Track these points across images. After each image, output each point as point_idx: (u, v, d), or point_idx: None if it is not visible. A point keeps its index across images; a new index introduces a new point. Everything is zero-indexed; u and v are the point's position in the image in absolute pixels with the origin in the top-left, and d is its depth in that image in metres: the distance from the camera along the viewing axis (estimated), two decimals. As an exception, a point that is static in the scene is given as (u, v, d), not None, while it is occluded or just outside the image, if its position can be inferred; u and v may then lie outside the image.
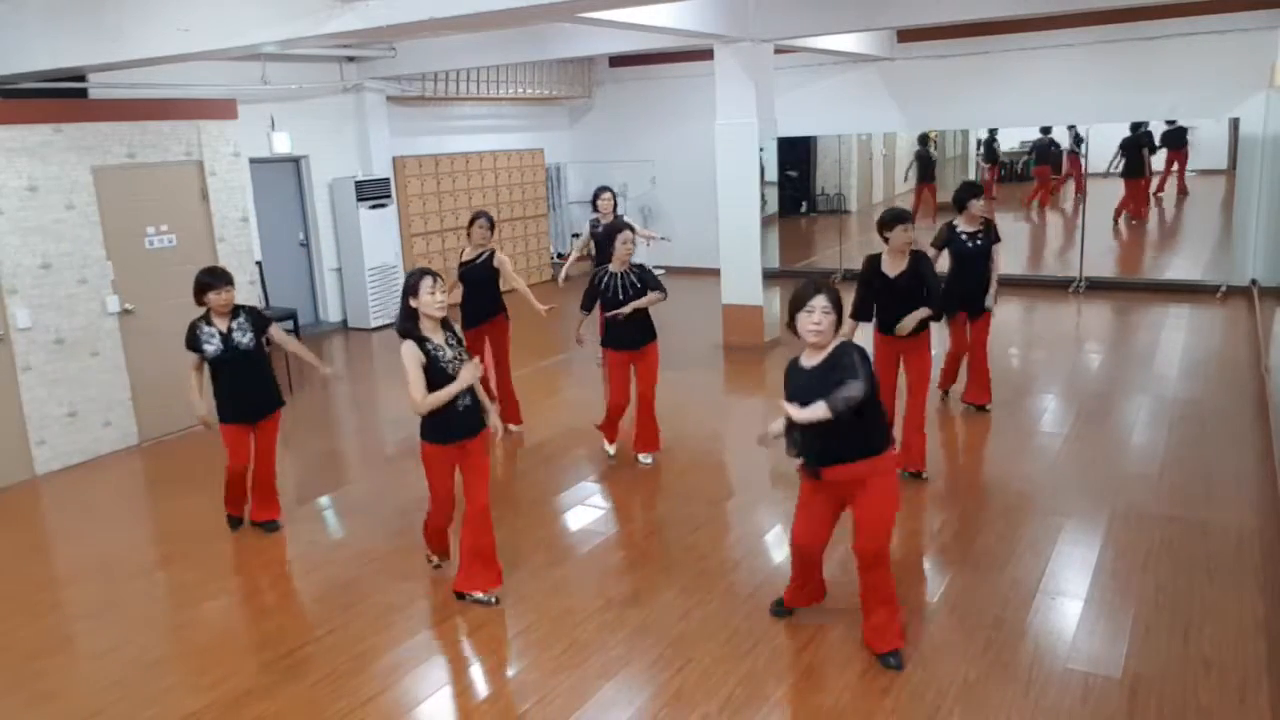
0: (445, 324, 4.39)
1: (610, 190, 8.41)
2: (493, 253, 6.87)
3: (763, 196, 9.34)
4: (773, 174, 9.73)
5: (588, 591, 4.63)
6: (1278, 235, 9.63)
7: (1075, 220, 11.78)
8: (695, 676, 3.87)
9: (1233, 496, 5.32)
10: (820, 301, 3.63)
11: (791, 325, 3.75)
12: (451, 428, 4.33)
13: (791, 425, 3.64)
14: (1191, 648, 3.89)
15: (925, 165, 13.08)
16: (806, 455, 3.76)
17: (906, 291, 5.35)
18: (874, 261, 5.46)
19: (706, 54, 9.34)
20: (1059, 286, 11.15)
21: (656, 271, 6.22)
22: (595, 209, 8.36)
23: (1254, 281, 10.27)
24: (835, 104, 12.34)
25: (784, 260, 12.01)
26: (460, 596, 4.58)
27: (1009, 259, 12.07)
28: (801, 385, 3.66)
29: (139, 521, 5.92)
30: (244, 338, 5.26)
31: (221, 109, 7.67)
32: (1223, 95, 10.25)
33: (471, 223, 6.88)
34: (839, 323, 3.73)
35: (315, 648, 4.25)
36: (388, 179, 11.10)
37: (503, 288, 6.91)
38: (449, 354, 4.30)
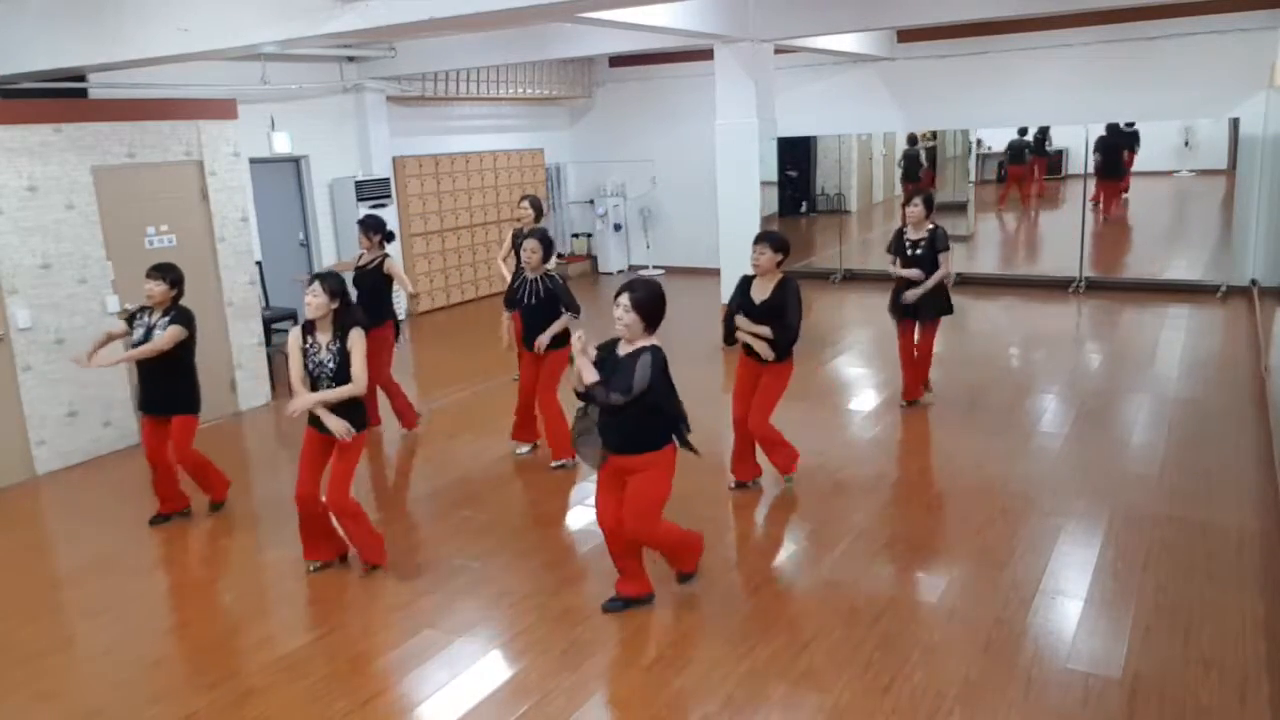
0: (339, 328, 4.81)
1: (530, 198, 7.59)
2: (383, 260, 6.84)
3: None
4: (773, 174, 9.73)
5: (588, 592, 4.63)
6: (1278, 235, 9.62)
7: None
8: (695, 676, 3.87)
9: (1233, 497, 5.32)
10: (623, 300, 4.11)
11: None
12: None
13: (585, 409, 4.30)
14: (1191, 648, 3.89)
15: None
16: (605, 441, 4.21)
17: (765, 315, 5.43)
18: (744, 282, 5.54)
19: (706, 54, 9.35)
20: (1059, 286, 11.15)
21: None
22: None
23: (1254, 281, 10.27)
24: (835, 104, 12.34)
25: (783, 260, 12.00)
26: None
27: (1013, 258, 12.14)
28: (608, 366, 4.13)
29: (139, 521, 5.91)
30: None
31: (221, 109, 7.67)
32: (1223, 95, 10.26)
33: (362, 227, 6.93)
34: (646, 326, 4.11)
35: (315, 648, 4.25)
36: (388, 179, 11.10)
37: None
38: (320, 356, 4.77)
